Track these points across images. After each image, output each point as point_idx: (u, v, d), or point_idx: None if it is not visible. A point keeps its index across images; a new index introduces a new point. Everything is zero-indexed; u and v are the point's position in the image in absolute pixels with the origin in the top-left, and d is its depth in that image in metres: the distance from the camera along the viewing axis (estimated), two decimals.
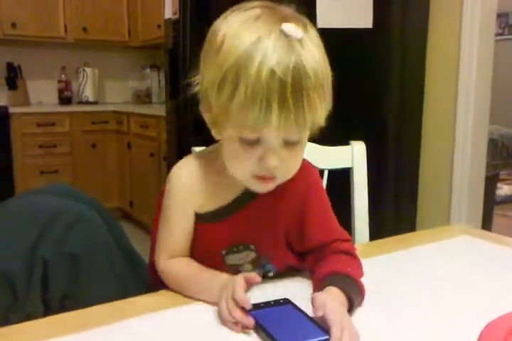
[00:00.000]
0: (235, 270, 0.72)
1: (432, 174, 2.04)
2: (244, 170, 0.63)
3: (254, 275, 0.63)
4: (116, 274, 0.75)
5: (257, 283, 0.64)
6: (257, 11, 0.60)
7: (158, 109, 2.87)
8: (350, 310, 0.63)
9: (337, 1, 1.71)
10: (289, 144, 0.62)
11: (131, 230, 3.43)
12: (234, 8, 0.63)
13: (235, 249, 0.72)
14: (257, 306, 0.61)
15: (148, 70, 3.93)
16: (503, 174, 3.49)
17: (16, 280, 0.68)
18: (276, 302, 0.63)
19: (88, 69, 3.71)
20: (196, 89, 0.66)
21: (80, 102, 3.73)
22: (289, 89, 0.55)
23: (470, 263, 0.82)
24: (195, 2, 2.08)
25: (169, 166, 2.73)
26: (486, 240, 0.92)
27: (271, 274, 0.75)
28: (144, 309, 0.64)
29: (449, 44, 1.94)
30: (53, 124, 3.27)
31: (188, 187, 0.69)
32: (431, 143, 2.03)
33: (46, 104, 3.67)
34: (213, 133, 0.67)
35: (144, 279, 0.80)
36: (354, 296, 0.64)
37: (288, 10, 0.62)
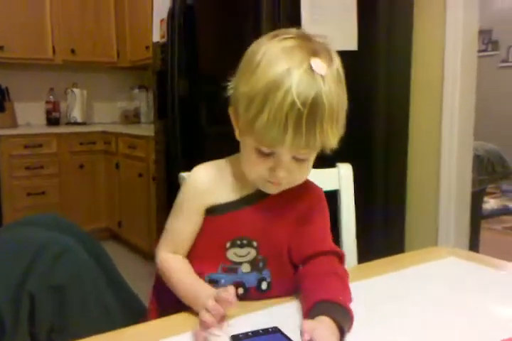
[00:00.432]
0: (233, 271, 0.78)
1: (419, 191, 2.06)
2: (256, 174, 0.74)
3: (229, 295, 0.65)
4: (104, 306, 0.75)
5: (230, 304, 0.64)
6: (293, 42, 0.69)
7: (147, 129, 2.88)
8: (341, 339, 0.64)
9: (322, 25, 1.74)
10: (297, 160, 0.72)
11: (120, 250, 3.40)
12: (273, 33, 0.72)
13: (238, 242, 0.77)
14: (245, 335, 0.61)
15: (136, 91, 3.95)
16: (490, 187, 3.53)
17: (4, 314, 0.68)
18: (265, 331, 0.63)
19: (76, 90, 3.72)
20: (229, 93, 0.75)
21: (68, 123, 3.73)
22: (304, 118, 0.65)
23: (457, 285, 0.83)
24: (182, 27, 2.11)
25: (158, 186, 2.74)
26: (473, 261, 0.93)
27: (264, 286, 0.79)
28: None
29: (433, 62, 1.98)
30: (41, 145, 3.26)
31: (202, 185, 0.78)
32: (417, 161, 2.06)
33: (34, 125, 3.66)
34: (236, 134, 0.76)
35: (133, 310, 0.80)
36: (345, 325, 0.64)
37: (319, 43, 0.71)
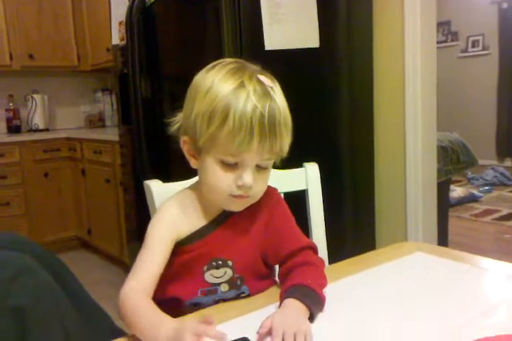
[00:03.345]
0: (213, 292, 0.79)
1: (387, 185, 2.08)
2: (222, 191, 0.75)
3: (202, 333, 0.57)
4: (67, 328, 0.72)
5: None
6: (235, 65, 0.75)
7: (112, 133, 2.82)
8: (311, 318, 0.70)
9: (283, 23, 1.74)
10: (260, 169, 0.75)
11: (91, 258, 3.34)
12: (211, 65, 0.77)
13: (214, 264, 0.79)
14: None
15: (100, 94, 3.88)
16: (456, 176, 3.61)
17: None
18: None
19: (37, 96, 3.62)
20: (175, 127, 0.79)
21: (30, 130, 3.63)
22: (267, 121, 0.70)
23: (425, 282, 0.84)
24: (141, 28, 2.08)
25: (126, 191, 2.69)
26: (439, 256, 0.94)
27: (245, 294, 0.82)
28: None
29: (393, 55, 2.00)
30: (2, 155, 3.15)
31: (170, 220, 0.79)
32: (383, 155, 2.08)
33: None
34: (192, 163, 0.79)
35: (100, 329, 0.78)
36: (311, 303, 0.70)
37: (257, 67, 0.78)
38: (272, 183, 0.88)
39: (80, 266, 2.96)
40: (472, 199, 4.11)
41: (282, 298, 0.73)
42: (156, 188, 0.97)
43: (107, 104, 3.80)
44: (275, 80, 0.77)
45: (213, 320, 0.59)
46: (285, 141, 0.74)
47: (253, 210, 0.81)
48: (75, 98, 3.98)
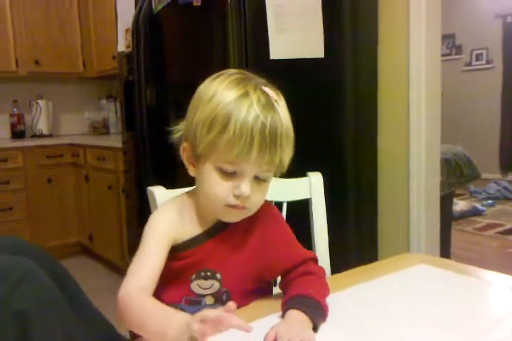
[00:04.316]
0: (196, 303, 0.77)
1: (390, 196, 2.08)
2: (219, 200, 0.73)
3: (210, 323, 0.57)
4: (67, 332, 0.71)
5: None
6: (240, 75, 0.75)
7: (116, 140, 2.83)
8: (315, 328, 0.69)
9: (289, 33, 1.75)
10: (258, 180, 0.73)
11: (92, 265, 3.33)
12: (215, 75, 0.76)
13: (202, 274, 0.77)
14: None
15: (104, 101, 3.89)
16: (458, 189, 3.60)
17: None
18: None
19: (41, 102, 3.64)
20: (177, 135, 0.79)
21: (34, 136, 3.64)
22: (268, 132, 0.69)
23: (428, 294, 0.83)
24: (148, 36, 2.09)
25: (128, 198, 2.69)
26: (442, 268, 0.93)
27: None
28: None
29: (398, 68, 2.01)
30: (6, 160, 3.16)
31: (169, 221, 0.78)
32: (386, 166, 2.08)
33: None
34: (190, 171, 0.78)
35: (100, 335, 0.77)
36: (314, 314, 0.69)
37: (262, 79, 0.77)
38: (275, 192, 0.88)
39: (80, 272, 2.94)
40: (475, 212, 4.09)
41: (284, 308, 0.72)
42: (160, 195, 0.96)
43: (111, 111, 3.81)
44: (280, 94, 0.76)
45: (235, 308, 0.57)
46: (286, 154, 0.73)
47: (249, 224, 0.80)
48: (79, 104, 3.99)
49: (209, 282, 0.78)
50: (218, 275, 0.78)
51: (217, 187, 0.73)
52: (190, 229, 0.79)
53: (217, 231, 0.79)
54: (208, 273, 0.78)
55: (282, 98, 0.76)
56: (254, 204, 0.76)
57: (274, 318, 0.72)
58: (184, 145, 0.77)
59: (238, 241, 0.80)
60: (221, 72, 0.77)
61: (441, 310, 0.76)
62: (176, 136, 0.79)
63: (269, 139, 0.69)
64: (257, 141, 0.68)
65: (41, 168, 3.31)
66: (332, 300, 0.76)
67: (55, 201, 3.39)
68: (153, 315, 0.65)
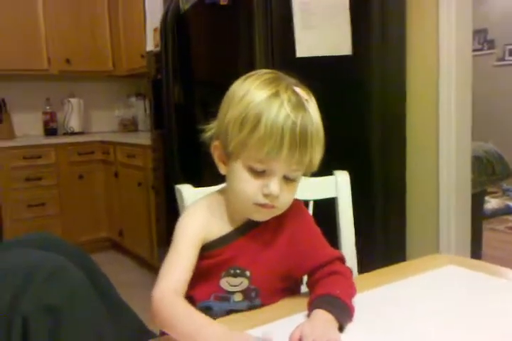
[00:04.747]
0: (226, 299, 0.78)
1: (419, 194, 2.05)
2: (248, 198, 0.74)
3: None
4: (98, 326, 0.73)
5: None
6: (272, 75, 0.76)
7: (145, 138, 2.87)
8: (341, 328, 0.69)
9: (315, 30, 1.74)
10: (287, 180, 0.74)
11: (121, 260, 3.39)
12: (246, 75, 0.77)
13: (232, 271, 0.78)
14: None
15: (133, 99, 3.95)
16: (491, 187, 3.52)
17: None
18: None
19: (73, 100, 3.72)
20: (209, 133, 0.79)
21: (66, 133, 3.72)
22: (298, 131, 0.70)
23: (457, 296, 0.82)
24: (176, 35, 2.11)
25: (157, 195, 2.73)
26: (472, 269, 0.92)
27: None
28: None
29: (427, 64, 1.97)
30: (39, 157, 3.25)
31: (201, 220, 0.79)
32: (416, 163, 2.05)
33: (32, 136, 3.66)
34: (221, 169, 0.79)
35: (130, 329, 0.79)
36: (340, 314, 0.69)
37: (293, 79, 0.77)
38: (301, 190, 0.88)
39: (110, 267, 3.01)
40: (507, 211, 3.99)
41: (310, 307, 0.72)
42: (187, 193, 0.98)
43: (140, 109, 3.86)
44: (311, 94, 0.77)
45: (272, 339, 0.59)
46: (315, 153, 0.73)
47: (278, 222, 0.80)
48: (109, 102, 4.06)
49: (238, 279, 0.79)
50: (247, 273, 0.79)
51: (246, 186, 0.73)
52: (220, 227, 0.80)
53: (247, 229, 0.80)
54: (238, 271, 0.79)
55: (313, 98, 0.77)
56: (283, 204, 0.76)
57: (300, 317, 0.73)
58: (215, 143, 0.78)
59: (267, 239, 0.80)
60: (253, 71, 0.78)
61: (469, 311, 0.75)
62: (207, 134, 0.79)
63: (299, 138, 0.70)
64: (287, 140, 0.69)
65: (73, 165, 3.39)
66: (358, 300, 0.75)
67: (86, 197, 3.46)
68: (184, 321, 0.65)
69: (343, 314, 0.70)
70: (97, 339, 0.72)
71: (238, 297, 0.79)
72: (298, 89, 0.74)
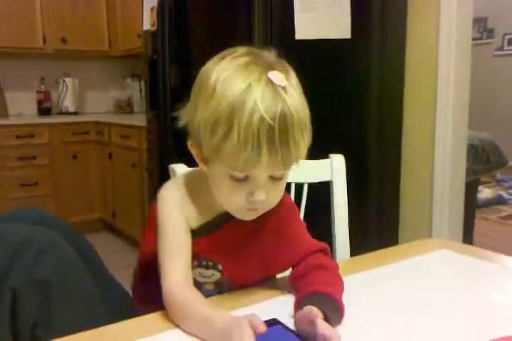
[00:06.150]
0: (197, 288, 0.72)
1: (413, 181, 2.05)
2: (233, 204, 0.69)
3: (258, 323, 0.57)
4: (89, 302, 0.73)
5: (261, 333, 0.57)
6: (245, 58, 0.66)
7: (140, 119, 2.85)
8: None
9: (315, 13, 1.71)
10: (273, 179, 0.68)
11: (114, 241, 3.40)
12: (223, 54, 0.69)
13: (204, 263, 0.76)
14: None
15: (129, 80, 3.91)
16: (484, 176, 3.53)
17: None
18: (266, 323, 0.61)
19: (68, 80, 3.67)
20: (182, 122, 0.70)
21: (60, 113, 3.69)
22: (277, 133, 0.61)
23: (449, 279, 0.82)
24: (173, 14, 2.08)
25: (151, 176, 2.72)
26: (464, 254, 0.92)
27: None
28: (115, 339, 0.62)
29: (427, 51, 1.96)
30: (32, 136, 3.22)
31: (179, 204, 0.74)
32: (411, 151, 2.05)
33: (25, 115, 3.62)
34: (202, 167, 0.72)
35: (120, 306, 0.79)
36: (331, 314, 0.64)
37: (271, 56, 0.68)
38: (296, 173, 0.86)
39: (102, 248, 3.01)
40: (500, 201, 4.01)
41: (300, 303, 0.67)
42: (181, 172, 0.97)
43: (135, 90, 3.82)
44: (290, 71, 0.68)
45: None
46: (301, 149, 0.66)
47: (261, 216, 0.74)
48: (104, 83, 4.02)
49: (210, 271, 0.76)
50: (220, 267, 0.76)
51: (230, 194, 0.68)
52: (199, 215, 0.75)
53: (225, 220, 0.75)
54: (210, 263, 0.76)
55: (293, 75, 0.68)
56: (270, 204, 0.72)
57: (285, 298, 0.72)
58: (190, 143, 0.71)
59: (246, 232, 0.76)
60: (228, 50, 0.70)
61: (461, 295, 0.75)
62: (181, 123, 0.71)
63: (279, 139, 0.62)
64: (265, 146, 0.61)
65: (66, 145, 3.36)
66: (351, 282, 0.75)
67: (80, 177, 3.45)
68: (195, 315, 0.64)
69: (335, 314, 0.66)
70: (86, 313, 0.72)
71: (209, 286, 0.78)
72: (273, 75, 0.64)
